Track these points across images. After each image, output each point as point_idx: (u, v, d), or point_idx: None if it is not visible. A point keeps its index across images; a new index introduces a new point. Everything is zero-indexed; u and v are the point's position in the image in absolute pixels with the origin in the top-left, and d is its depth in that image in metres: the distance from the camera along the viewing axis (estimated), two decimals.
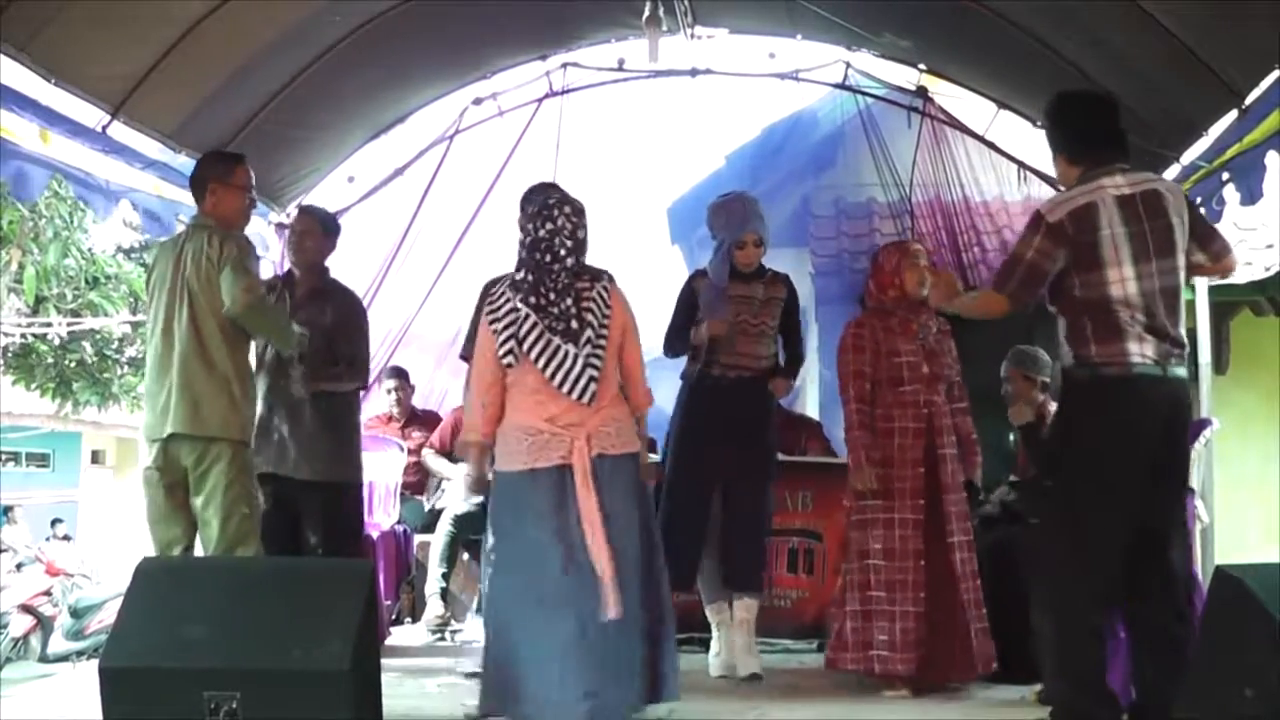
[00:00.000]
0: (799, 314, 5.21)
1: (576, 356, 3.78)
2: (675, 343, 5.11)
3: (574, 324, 3.81)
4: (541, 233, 3.91)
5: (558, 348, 3.79)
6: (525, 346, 3.80)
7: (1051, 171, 6.64)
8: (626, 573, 3.73)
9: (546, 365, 3.79)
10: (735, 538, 4.97)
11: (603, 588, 3.67)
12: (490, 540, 3.94)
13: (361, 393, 5.56)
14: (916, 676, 4.55)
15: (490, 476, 3.95)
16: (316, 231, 5.31)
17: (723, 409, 4.96)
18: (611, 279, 3.96)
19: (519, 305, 3.84)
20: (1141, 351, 3.57)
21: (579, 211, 3.99)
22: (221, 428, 4.28)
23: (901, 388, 4.66)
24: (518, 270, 3.95)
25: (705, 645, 5.21)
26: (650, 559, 3.88)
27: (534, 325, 3.81)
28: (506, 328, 3.83)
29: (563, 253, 3.89)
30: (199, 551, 4.38)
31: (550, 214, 3.94)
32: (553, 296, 3.84)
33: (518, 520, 3.84)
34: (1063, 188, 4.08)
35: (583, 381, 3.78)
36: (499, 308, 3.87)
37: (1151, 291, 3.59)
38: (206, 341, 4.29)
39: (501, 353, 3.83)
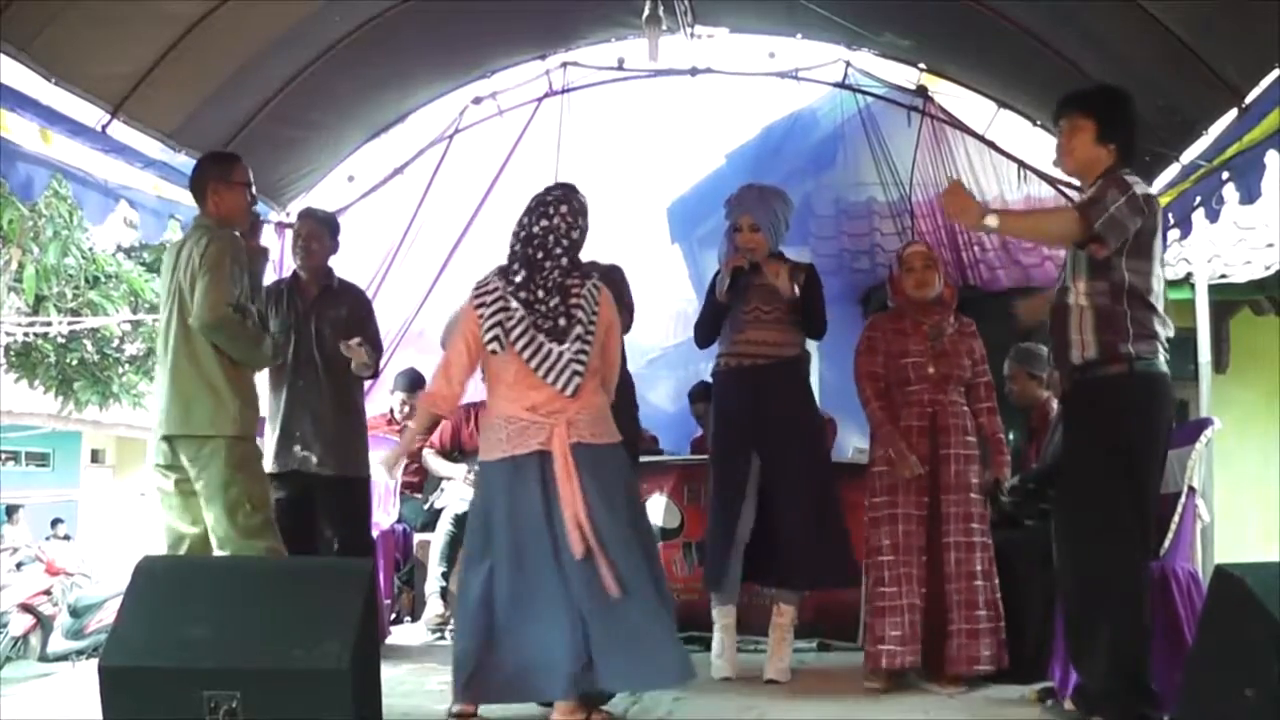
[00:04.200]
0: (820, 294, 5.08)
1: (562, 354, 3.83)
2: (703, 330, 5.10)
3: (562, 321, 3.86)
4: (536, 229, 3.96)
5: (542, 345, 3.84)
6: (511, 339, 3.85)
7: (1051, 171, 6.75)
8: (617, 556, 3.75)
9: (531, 359, 3.84)
10: (771, 537, 4.85)
11: (598, 569, 3.71)
12: (475, 528, 3.97)
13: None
14: (918, 669, 4.67)
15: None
16: (323, 235, 5.45)
17: (742, 398, 4.93)
18: (598, 279, 4.02)
19: (509, 299, 3.88)
20: (1162, 348, 3.74)
21: (576, 211, 4.02)
22: (211, 425, 4.32)
23: (908, 387, 4.76)
24: (511, 262, 3.97)
25: (707, 645, 5.20)
26: (641, 547, 3.89)
27: (521, 320, 3.85)
28: (494, 315, 3.87)
29: (558, 251, 3.93)
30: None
31: (546, 210, 3.99)
32: (542, 294, 3.88)
33: (496, 506, 3.88)
34: (1066, 167, 4.11)
35: (566, 376, 3.83)
36: (487, 295, 3.91)
37: (1164, 291, 3.79)
38: (193, 341, 4.35)
39: (487, 339, 3.87)
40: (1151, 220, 3.74)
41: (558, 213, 3.97)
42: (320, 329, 5.22)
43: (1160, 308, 3.78)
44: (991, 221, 3.78)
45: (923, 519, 4.67)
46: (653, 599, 3.82)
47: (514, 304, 3.87)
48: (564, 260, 3.93)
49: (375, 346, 5.40)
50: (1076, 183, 6.61)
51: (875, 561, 4.73)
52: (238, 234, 4.53)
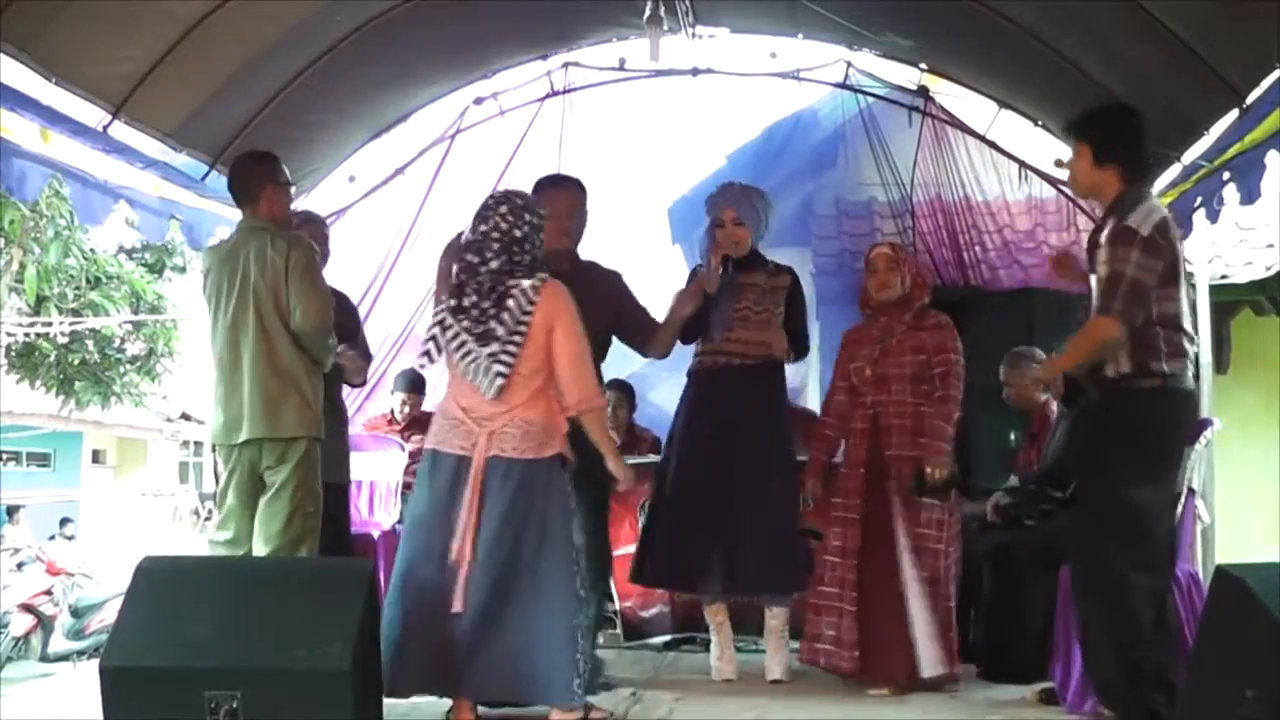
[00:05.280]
0: (803, 304, 5.14)
1: (485, 357, 3.84)
2: (684, 330, 5.02)
3: (491, 324, 3.86)
4: (476, 234, 3.98)
5: (470, 350, 3.87)
6: (445, 345, 3.92)
7: (1050, 171, 6.74)
8: (497, 573, 3.77)
9: (460, 363, 3.89)
10: (744, 539, 4.83)
11: (456, 580, 3.75)
12: (407, 511, 4.15)
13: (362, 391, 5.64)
14: (858, 674, 4.65)
15: None
16: (325, 239, 5.42)
17: (721, 398, 4.92)
18: (544, 278, 3.94)
19: (443, 307, 3.95)
20: (1190, 367, 3.79)
21: (519, 209, 3.99)
22: (298, 426, 4.36)
23: (857, 393, 4.83)
24: (455, 273, 4.02)
25: (707, 645, 5.20)
26: (541, 566, 3.81)
27: (450, 326, 3.91)
28: (431, 329, 3.97)
29: (488, 254, 3.92)
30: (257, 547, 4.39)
31: (485, 215, 3.99)
32: (475, 298, 3.89)
33: (419, 497, 3.97)
34: (1076, 191, 4.12)
35: (489, 378, 3.83)
36: (435, 312, 4.01)
37: (1191, 309, 3.84)
38: (274, 343, 4.36)
39: (419, 353, 4.01)
40: (1171, 248, 3.74)
41: (496, 213, 3.97)
42: None
43: (1190, 325, 3.81)
44: (1043, 375, 4.02)
45: (856, 522, 4.69)
46: (511, 619, 3.77)
47: (445, 312, 3.93)
48: (497, 261, 3.91)
49: (365, 355, 5.39)
50: None
51: (821, 560, 4.78)
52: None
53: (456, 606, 3.74)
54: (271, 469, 4.36)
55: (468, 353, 3.86)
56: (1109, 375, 3.78)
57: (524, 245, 3.96)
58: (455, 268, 3.99)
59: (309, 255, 4.44)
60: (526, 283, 3.89)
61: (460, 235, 4.10)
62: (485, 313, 3.87)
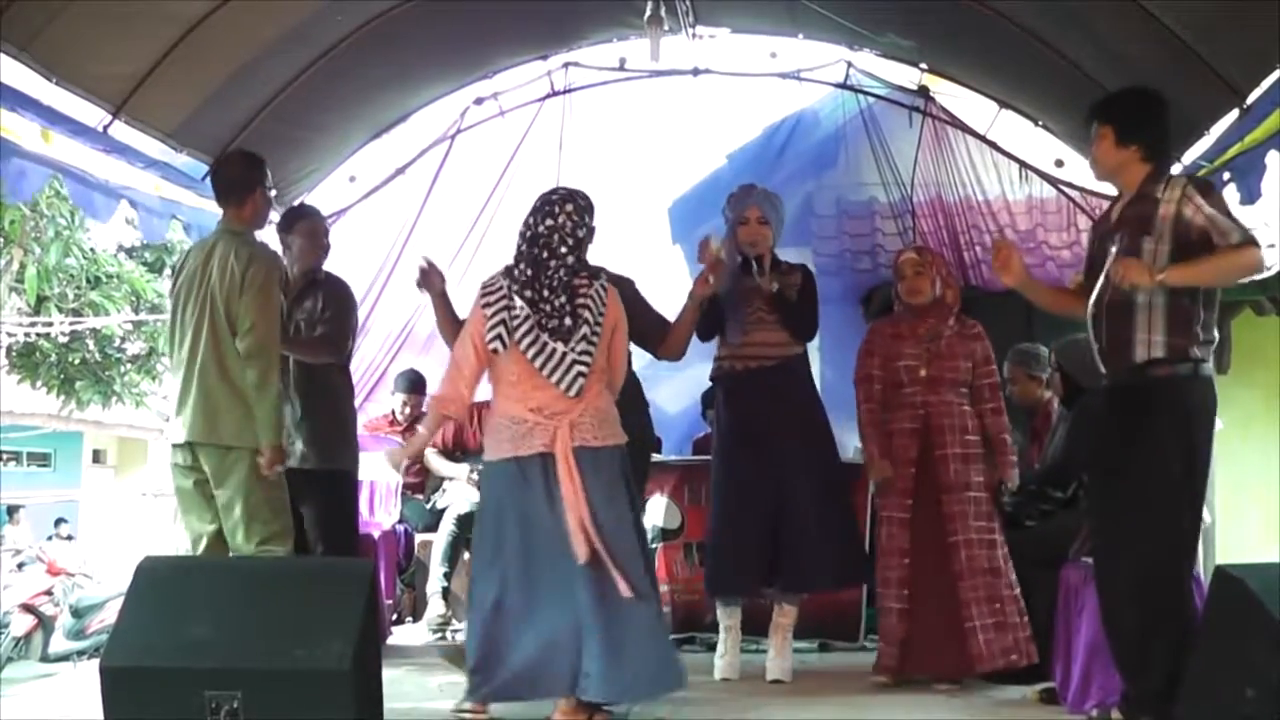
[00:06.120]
0: (815, 297, 5.09)
1: (566, 354, 3.83)
2: (705, 323, 4.95)
3: (567, 321, 3.86)
4: (541, 228, 3.96)
5: (546, 344, 3.84)
6: (516, 338, 3.85)
7: (1051, 171, 6.74)
8: (624, 560, 3.77)
9: (535, 358, 3.84)
10: (807, 535, 4.83)
11: (606, 573, 3.72)
12: (485, 530, 3.99)
13: (357, 387, 5.60)
14: (897, 670, 4.74)
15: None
16: (327, 232, 5.44)
17: (754, 401, 4.93)
18: (607, 276, 4.02)
19: (514, 297, 3.88)
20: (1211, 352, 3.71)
21: (581, 210, 4.02)
22: (237, 437, 4.30)
23: (902, 390, 4.85)
24: (516, 261, 3.98)
25: (708, 645, 5.20)
26: (643, 552, 3.93)
27: (526, 319, 3.86)
28: (497, 314, 3.88)
29: (563, 250, 3.93)
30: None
31: (551, 210, 3.99)
32: (547, 294, 3.88)
33: (505, 508, 3.90)
34: (1098, 174, 4.07)
35: (570, 376, 3.83)
36: (492, 295, 3.92)
37: None
38: (223, 350, 4.31)
39: (489, 338, 3.87)
40: None
41: (562, 211, 3.98)
42: (296, 321, 5.10)
43: None
44: (1169, 277, 3.55)
45: (905, 522, 4.77)
46: (654, 606, 3.87)
47: (518, 303, 3.87)
48: (569, 259, 3.93)
49: (339, 333, 5.19)
50: (1077, 183, 6.68)
51: (880, 562, 4.86)
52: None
53: (627, 593, 3.71)
54: (215, 481, 4.32)
55: (543, 347, 3.84)
56: (1136, 360, 3.64)
57: (583, 246, 4.00)
58: (519, 259, 3.96)
59: (268, 274, 4.37)
60: (597, 284, 3.93)
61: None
62: (560, 309, 3.87)
